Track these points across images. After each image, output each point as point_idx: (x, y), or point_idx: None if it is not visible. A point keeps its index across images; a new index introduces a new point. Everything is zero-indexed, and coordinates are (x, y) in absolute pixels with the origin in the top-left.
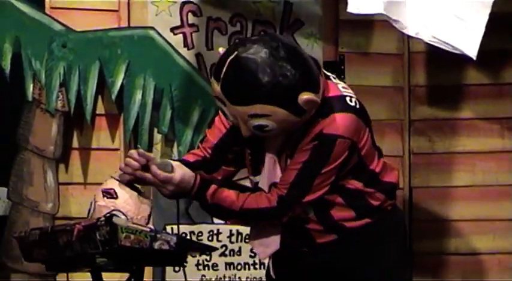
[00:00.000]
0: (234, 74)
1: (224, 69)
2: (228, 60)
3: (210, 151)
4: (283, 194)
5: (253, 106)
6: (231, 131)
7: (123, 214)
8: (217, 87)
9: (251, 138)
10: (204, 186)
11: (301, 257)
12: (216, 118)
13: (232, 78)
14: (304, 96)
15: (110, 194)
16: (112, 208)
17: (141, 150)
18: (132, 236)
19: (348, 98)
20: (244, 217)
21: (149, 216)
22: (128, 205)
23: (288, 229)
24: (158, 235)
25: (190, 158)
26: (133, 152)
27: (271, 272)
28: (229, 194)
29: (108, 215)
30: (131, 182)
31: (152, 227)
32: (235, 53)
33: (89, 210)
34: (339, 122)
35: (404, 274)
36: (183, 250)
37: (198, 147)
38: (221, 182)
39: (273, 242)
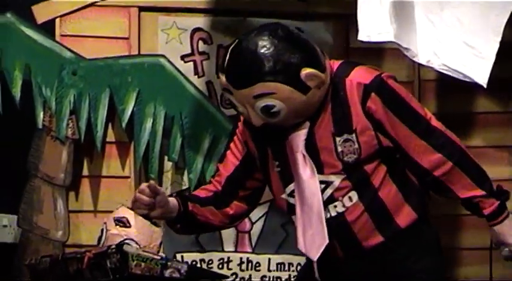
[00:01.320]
0: (235, 58)
1: (227, 58)
2: (230, 48)
3: (223, 184)
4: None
5: (256, 86)
6: (244, 163)
7: (136, 243)
8: (222, 77)
9: (274, 144)
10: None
11: (346, 263)
12: (228, 152)
13: (234, 63)
14: (307, 70)
15: (122, 222)
16: (125, 237)
17: (152, 183)
18: (143, 264)
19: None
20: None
21: (160, 244)
22: (141, 234)
23: (331, 230)
24: (169, 263)
25: (202, 193)
26: (144, 188)
27: (316, 275)
28: None
29: (120, 243)
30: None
31: (163, 255)
32: (236, 41)
33: (99, 238)
34: (364, 70)
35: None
36: (193, 278)
37: (210, 182)
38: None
39: (322, 237)
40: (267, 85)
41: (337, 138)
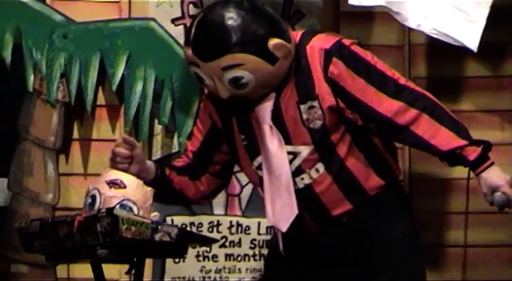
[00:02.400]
0: (202, 31)
1: (193, 31)
2: (196, 22)
3: (191, 158)
4: (407, 100)
5: (224, 57)
6: (209, 137)
7: (133, 203)
8: (189, 51)
9: (240, 117)
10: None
11: (313, 238)
12: (194, 128)
13: (201, 35)
14: (274, 41)
15: (117, 184)
16: (122, 198)
17: (126, 136)
18: (133, 228)
19: None
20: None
21: (151, 204)
22: (137, 194)
23: (300, 202)
24: (159, 227)
25: (178, 163)
26: (120, 141)
27: (281, 248)
28: None
29: (118, 206)
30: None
31: (154, 219)
32: (201, 14)
33: (91, 203)
34: (324, 36)
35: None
36: (184, 241)
37: (181, 157)
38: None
39: (291, 208)
40: (235, 56)
41: (302, 106)
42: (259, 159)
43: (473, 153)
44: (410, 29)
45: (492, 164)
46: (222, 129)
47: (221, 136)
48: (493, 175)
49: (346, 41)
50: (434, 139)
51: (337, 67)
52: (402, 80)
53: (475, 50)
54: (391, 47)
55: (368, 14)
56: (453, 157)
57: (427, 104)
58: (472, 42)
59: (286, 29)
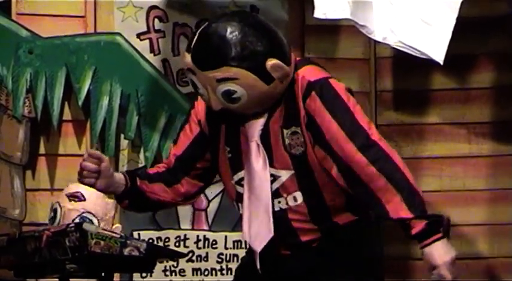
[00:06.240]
0: (204, 40)
1: (195, 38)
2: (199, 30)
3: (173, 162)
4: (364, 146)
5: (221, 69)
6: (195, 143)
7: (93, 215)
8: (188, 57)
9: (229, 130)
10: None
11: (283, 261)
12: (181, 132)
13: (202, 44)
14: (273, 61)
15: (77, 197)
16: (82, 210)
17: (92, 150)
18: (102, 243)
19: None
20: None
21: (113, 215)
22: (97, 206)
23: (274, 225)
24: (128, 241)
25: (151, 170)
26: (87, 156)
27: (258, 266)
28: None
29: (78, 219)
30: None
31: (122, 234)
32: (206, 23)
33: (52, 218)
34: (315, 69)
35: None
36: (152, 256)
37: (162, 161)
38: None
39: (267, 229)
40: (232, 70)
41: (285, 131)
42: (241, 174)
43: (417, 227)
44: (376, 42)
45: (439, 239)
46: (209, 136)
47: (207, 144)
48: (434, 253)
49: (334, 82)
50: (386, 203)
51: (314, 102)
52: (375, 136)
53: (442, 62)
54: (357, 60)
55: (334, 27)
56: (400, 225)
57: (389, 166)
58: (439, 54)
59: (288, 52)
